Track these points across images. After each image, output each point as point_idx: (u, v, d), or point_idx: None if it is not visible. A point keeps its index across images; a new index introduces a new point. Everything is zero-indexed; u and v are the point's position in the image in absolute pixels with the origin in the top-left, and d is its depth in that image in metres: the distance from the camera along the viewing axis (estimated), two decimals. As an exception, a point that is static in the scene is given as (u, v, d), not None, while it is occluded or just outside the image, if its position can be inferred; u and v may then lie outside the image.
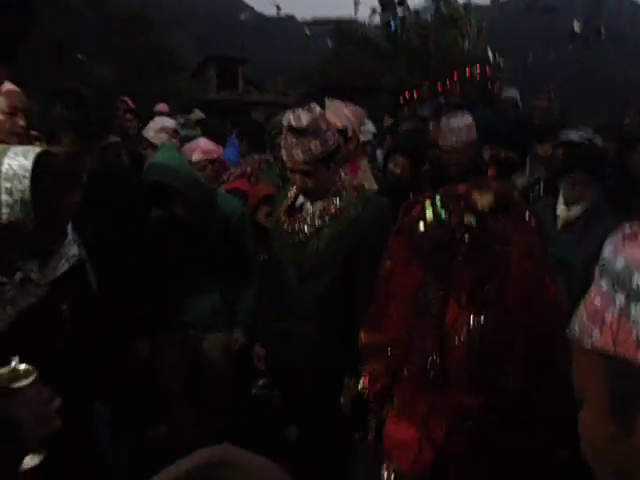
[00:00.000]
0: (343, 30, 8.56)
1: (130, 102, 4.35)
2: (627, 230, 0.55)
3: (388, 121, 5.09)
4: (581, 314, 0.55)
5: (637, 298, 0.48)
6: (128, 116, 4.22)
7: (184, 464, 0.47)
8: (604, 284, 0.52)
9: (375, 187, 2.70)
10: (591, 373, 0.52)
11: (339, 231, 1.82)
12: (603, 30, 6.16)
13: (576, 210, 2.55)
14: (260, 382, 2.65)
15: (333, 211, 1.83)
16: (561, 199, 2.59)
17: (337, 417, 1.93)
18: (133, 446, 2.23)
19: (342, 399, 1.90)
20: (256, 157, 3.54)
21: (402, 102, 7.46)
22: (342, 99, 2.72)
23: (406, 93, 7.52)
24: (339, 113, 2.55)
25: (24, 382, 0.97)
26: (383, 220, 1.80)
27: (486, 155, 3.41)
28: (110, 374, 1.57)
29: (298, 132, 1.72)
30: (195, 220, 2.13)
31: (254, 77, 18.00)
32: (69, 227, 1.40)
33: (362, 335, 1.41)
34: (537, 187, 3.11)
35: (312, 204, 1.87)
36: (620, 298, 0.50)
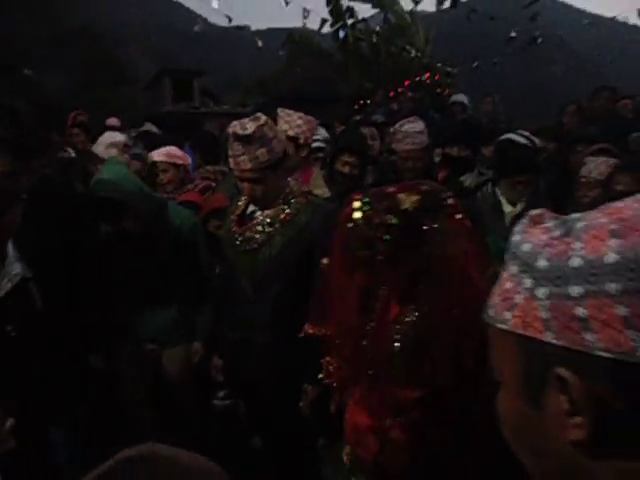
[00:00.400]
0: (295, 41, 8.65)
1: (78, 116, 4.23)
2: (534, 215, 0.57)
3: (339, 128, 5.18)
4: (495, 297, 0.56)
5: (542, 281, 0.50)
6: (75, 130, 4.10)
7: (107, 462, 0.48)
8: (513, 268, 0.54)
9: (328, 194, 2.74)
10: (506, 354, 0.54)
11: (290, 237, 1.84)
12: (539, 36, 6.50)
13: (520, 207, 2.70)
14: (220, 394, 2.62)
15: (283, 218, 1.86)
16: (503, 199, 2.73)
17: (299, 423, 1.95)
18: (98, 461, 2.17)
19: (302, 404, 1.92)
20: (210, 169, 3.52)
21: (355, 109, 7.61)
22: (297, 109, 2.76)
23: (359, 101, 7.69)
24: (291, 121, 2.59)
25: None
26: (332, 225, 1.84)
27: (437, 157, 3.54)
28: (64, 391, 1.54)
29: (244, 140, 1.74)
30: (146, 233, 2.10)
31: (211, 89, 17.89)
32: (10, 246, 1.37)
33: (307, 328, 1.45)
34: (485, 186, 3.23)
35: (262, 212, 1.89)
36: (527, 281, 0.51)
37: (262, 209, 1.89)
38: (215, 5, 7.46)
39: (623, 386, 0.44)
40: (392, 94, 6.67)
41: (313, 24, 8.72)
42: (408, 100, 6.36)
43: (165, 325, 2.27)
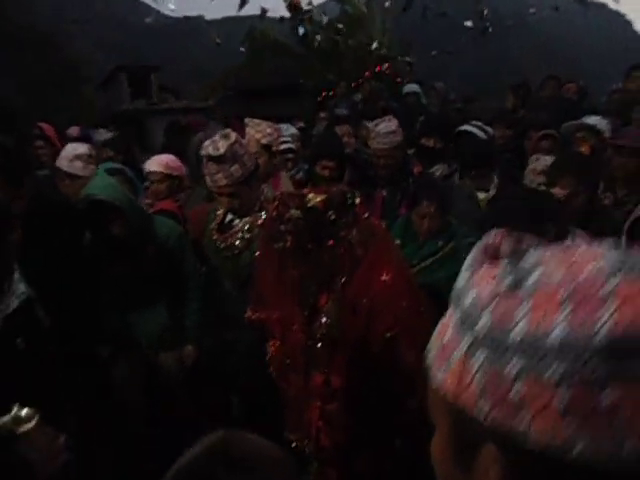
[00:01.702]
0: (255, 38, 8.65)
1: (44, 128, 4.10)
2: (489, 245, 0.48)
3: (298, 124, 5.25)
4: (435, 341, 0.48)
5: (481, 343, 0.42)
6: (38, 143, 3.88)
7: (189, 453, 0.60)
8: (455, 317, 0.46)
9: None
10: (437, 407, 0.47)
11: (268, 241, 1.98)
12: (490, 25, 6.78)
13: (492, 191, 2.92)
14: None
15: (260, 224, 1.99)
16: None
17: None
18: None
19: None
20: None
21: (319, 102, 7.71)
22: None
23: (322, 93, 7.78)
24: (262, 130, 2.69)
25: (28, 425, 1.06)
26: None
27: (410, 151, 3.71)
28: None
29: (218, 159, 1.88)
30: (132, 240, 2.19)
31: (170, 83, 17.53)
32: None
33: (248, 313, 1.63)
34: (455, 174, 3.42)
35: (240, 220, 2.02)
36: (466, 339, 0.43)
37: (240, 217, 2.02)
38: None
39: (546, 472, 0.39)
40: (354, 85, 6.79)
41: (271, 12, 8.65)
42: (369, 91, 6.49)
43: (156, 330, 2.35)
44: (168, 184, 2.90)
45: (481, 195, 2.93)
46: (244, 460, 0.61)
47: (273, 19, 9.02)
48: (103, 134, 6.11)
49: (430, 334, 0.49)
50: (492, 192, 2.89)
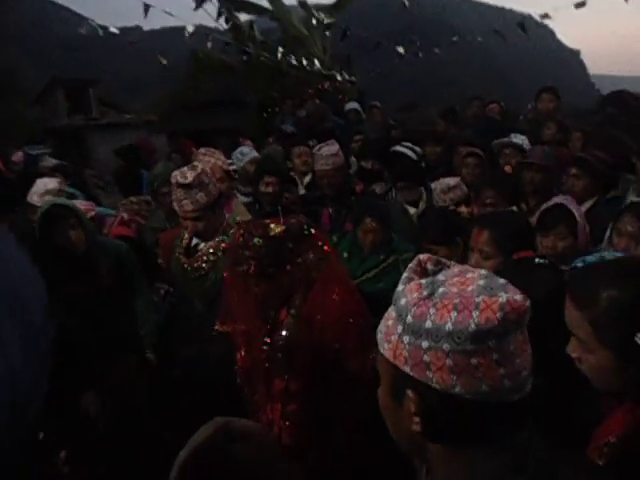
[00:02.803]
0: (200, 59, 8.76)
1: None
2: (422, 259, 0.77)
3: (247, 143, 5.35)
4: (382, 326, 0.75)
5: (407, 331, 0.69)
6: None
7: (195, 438, 0.81)
8: (394, 313, 0.72)
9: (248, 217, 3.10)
10: (382, 366, 0.75)
11: (231, 262, 2.20)
12: (419, 51, 7.36)
13: (422, 207, 3.28)
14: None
15: (223, 246, 2.21)
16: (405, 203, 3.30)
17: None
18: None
19: None
20: (134, 199, 3.69)
21: (264, 117, 8.01)
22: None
23: (267, 109, 8.07)
24: (221, 158, 2.91)
25: None
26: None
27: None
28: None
29: (185, 187, 2.08)
30: (90, 252, 2.38)
31: (109, 96, 17.03)
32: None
33: (217, 325, 1.83)
34: (390, 193, 3.79)
35: (205, 244, 2.23)
36: (399, 327, 0.70)
37: (204, 241, 2.23)
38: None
39: (442, 405, 0.67)
40: (299, 103, 7.10)
41: (206, 20, 8.67)
42: (313, 107, 6.82)
43: (117, 339, 2.49)
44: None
45: (411, 210, 3.30)
46: (242, 433, 0.84)
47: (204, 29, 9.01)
48: (44, 156, 6.03)
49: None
50: (422, 207, 3.28)
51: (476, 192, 2.67)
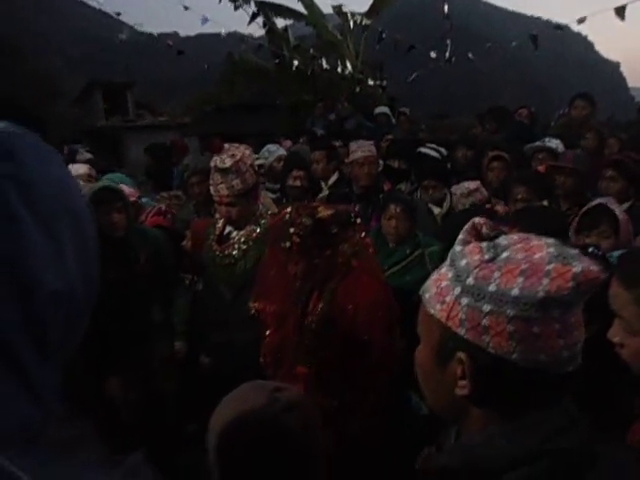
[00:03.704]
0: (235, 62, 8.96)
1: None
2: (477, 223, 0.74)
3: (286, 143, 5.52)
4: (431, 286, 0.73)
5: (467, 293, 0.66)
6: None
7: (238, 403, 0.82)
8: (450, 274, 0.70)
9: (275, 209, 3.15)
10: (428, 327, 0.73)
11: (262, 252, 2.20)
12: (452, 58, 7.35)
13: (444, 209, 3.27)
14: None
15: (255, 236, 2.25)
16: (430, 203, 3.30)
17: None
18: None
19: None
20: (165, 195, 3.78)
21: (296, 120, 8.12)
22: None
23: (299, 112, 8.20)
24: (246, 152, 2.97)
25: None
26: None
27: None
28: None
29: (222, 172, 2.13)
30: (131, 238, 2.44)
31: (145, 99, 17.50)
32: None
33: (252, 303, 1.85)
34: (415, 193, 3.81)
35: (237, 232, 2.28)
36: (457, 289, 0.68)
37: (237, 230, 2.28)
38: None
39: (495, 371, 0.66)
40: (329, 107, 7.19)
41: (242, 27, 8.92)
42: (344, 111, 6.90)
43: (148, 327, 2.54)
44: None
45: (436, 210, 3.30)
46: (293, 402, 0.84)
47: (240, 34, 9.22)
48: (81, 150, 6.26)
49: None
50: (446, 207, 3.27)
51: (507, 190, 2.66)
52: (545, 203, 2.45)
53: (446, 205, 3.32)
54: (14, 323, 0.39)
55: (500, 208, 2.49)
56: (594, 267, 0.62)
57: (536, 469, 0.62)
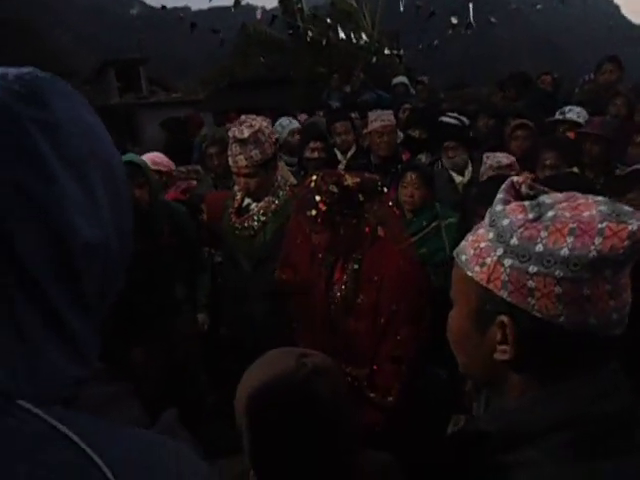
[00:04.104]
0: (249, 34, 8.81)
1: None
2: (515, 181, 0.70)
3: (302, 117, 5.44)
4: (468, 248, 0.69)
5: (510, 254, 0.63)
6: None
7: (265, 368, 0.83)
8: (491, 234, 0.66)
9: (294, 181, 3.12)
10: (465, 290, 0.70)
11: (281, 224, 2.19)
12: (473, 22, 7.07)
13: (467, 176, 3.20)
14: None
15: (274, 208, 2.23)
16: (452, 171, 3.22)
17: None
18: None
19: None
20: (183, 169, 3.77)
21: (312, 93, 7.97)
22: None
23: (314, 84, 8.04)
24: (268, 124, 2.93)
25: None
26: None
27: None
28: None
29: (241, 142, 2.09)
30: (155, 212, 2.43)
31: (157, 75, 17.42)
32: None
33: (278, 273, 1.84)
34: (436, 164, 3.73)
35: (256, 204, 2.26)
36: (499, 250, 0.64)
37: (255, 201, 2.26)
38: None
39: (540, 334, 0.63)
40: (345, 78, 7.04)
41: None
42: (360, 82, 6.75)
43: (171, 299, 2.57)
44: (158, 179, 3.13)
45: (458, 178, 3.22)
46: (322, 367, 0.83)
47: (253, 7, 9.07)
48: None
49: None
50: (467, 176, 3.20)
51: (535, 156, 2.59)
52: (575, 170, 2.38)
53: (468, 173, 3.25)
54: (49, 272, 0.38)
55: (528, 176, 2.41)
56: None
57: (579, 432, 0.60)
